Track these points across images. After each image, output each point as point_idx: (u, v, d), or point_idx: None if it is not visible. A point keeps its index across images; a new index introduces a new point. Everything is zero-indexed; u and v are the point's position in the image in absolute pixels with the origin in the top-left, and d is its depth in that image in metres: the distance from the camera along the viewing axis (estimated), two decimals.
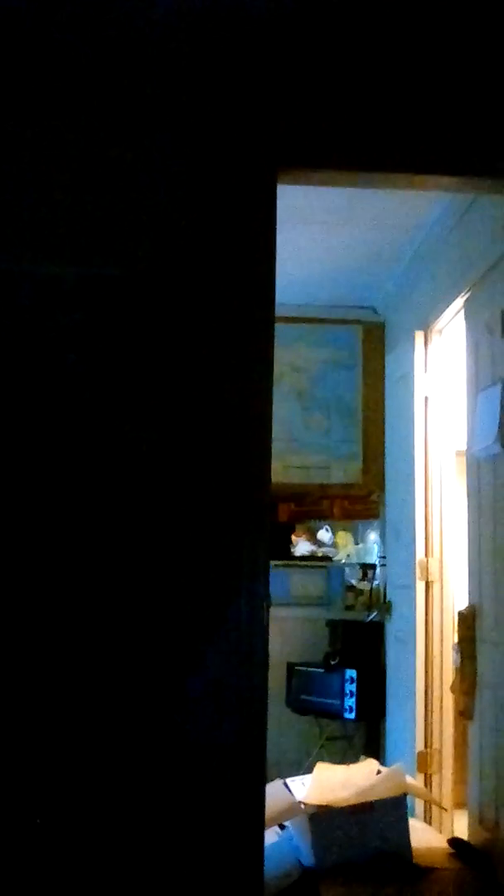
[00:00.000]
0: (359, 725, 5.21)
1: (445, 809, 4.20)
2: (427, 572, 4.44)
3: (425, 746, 4.31)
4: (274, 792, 3.47)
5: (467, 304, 3.91)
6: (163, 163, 2.60)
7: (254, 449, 2.54)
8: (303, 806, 3.54)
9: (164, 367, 2.53)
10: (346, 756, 4.97)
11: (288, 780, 3.83)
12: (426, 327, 4.56)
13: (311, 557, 5.70)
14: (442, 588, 4.44)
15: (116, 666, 2.42)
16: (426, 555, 4.46)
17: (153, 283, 2.56)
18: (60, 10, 2.61)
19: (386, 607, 5.11)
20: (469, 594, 3.76)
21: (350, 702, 4.97)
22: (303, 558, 5.68)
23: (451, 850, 3.62)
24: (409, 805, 3.71)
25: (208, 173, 2.61)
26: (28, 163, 2.57)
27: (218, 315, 2.57)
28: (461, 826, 3.88)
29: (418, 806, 4.21)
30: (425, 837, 3.79)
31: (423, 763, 4.29)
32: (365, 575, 5.55)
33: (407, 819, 3.56)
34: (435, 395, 4.55)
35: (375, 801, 3.51)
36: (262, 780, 2.46)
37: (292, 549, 5.73)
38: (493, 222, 3.57)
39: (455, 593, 4.40)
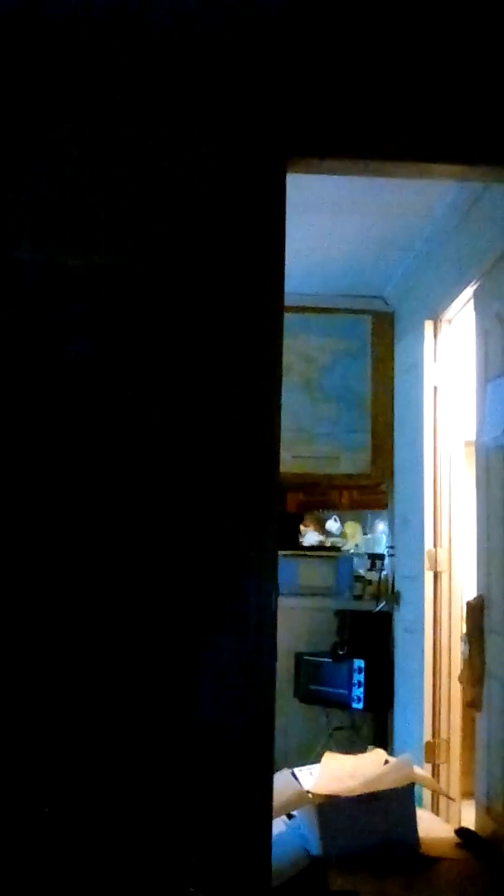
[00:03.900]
0: (366, 715, 5.21)
1: (453, 799, 4.20)
2: (435, 562, 4.44)
3: (433, 736, 4.32)
4: (282, 781, 3.48)
5: (477, 294, 3.89)
6: (172, 152, 2.59)
7: (263, 439, 2.53)
8: (310, 795, 3.55)
9: (173, 357, 2.53)
10: (353, 746, 4.98)
11: (296, 770, 3.85)
12: (435, 317, 4.55)
13: (320, 547, 5.70)
14: (450, 578, 4.44)
15: (124, 657, 2.42)
16: (435, 545, 4.45)
17: (161, 272, 2.55)
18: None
19: (394, 597, 5.11)
20: (477, 584, 3.75)
21: (358, 692, 4.98)
22: (311, 548, 5.68)
23: (459, 841, 3.63)
24: (416, 795, 3.72)
25: (218, 162, 2.60)
26: (35, 151, 2.56)
27: (227, 305, 2.56)
28: (469, 816, 3.89)
29: (426, 796, 4.22)
30: (433, 827, 3.80)
31: (431, 753, 4.29)
32: (373, 565, 5.55)
33: (414, 809, 3.56)
34: (444, 384, 4.54)
35: (383, 790, 3.52)
36: (270, 770, 2.47)
37: (301, 539, 5.73)
38: (503, 211, 3.55)
39: (464, 584, 4.40)
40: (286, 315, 2.60)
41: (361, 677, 4.97)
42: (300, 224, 3.71)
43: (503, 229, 3.52)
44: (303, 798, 3.54)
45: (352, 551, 5.68)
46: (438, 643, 4.38)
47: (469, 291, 3.97)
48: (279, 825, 3.53)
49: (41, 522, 2.44)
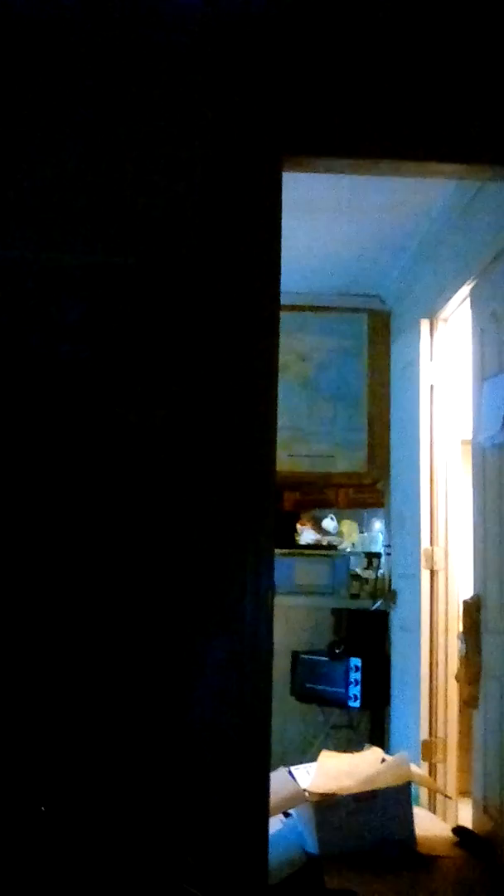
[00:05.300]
0: (363, 714, 5.21)
1: (450, 798, 4.20)
2: (432, 561, 4.44)
3: (430, 735, 4.32)
4: (279, 780, 3.48)
5: (473, 293, 3.89)
6: (168, 151, 2.59)
7: (259, 437, 2.53)
8: (307, 794, 3.55)
9: (170, 356, 2.53)
10: (350, 744, 4.98)
11: (292, 769, 3.84)
12: (432, 316, 4.55)
13: (316, 546, 5.70)
14: (447, 577, 4.44)
15: (121, 656, 2.42)
16: (431, 544, 4.46)
17: (158, 271, 2.55)
18: None
19: (391, 596, 5.11)
20: (474, 583, 3.75)
21: (355, 690, 4.98)
22: (308, 547, 5.68)
23: (455, 839, 3.63)
24: (413, 793, 3.72)
25: (214, 161, 2.59)
26: (34, 149, 2.56)
27: (224, 303, 2.56)
28: (465, 814, 3.89)
29: (422, 794, 4.22)
30: (430, 826, 3.80)
31: (428, 752, 4.29)
32: (370, 564, 5.55)
33: (411, 807, 3.56)
34: (440, 383, 4.54)
35: (380, 789, 3.52)
36: (267, 769, 2.47)
37: (297, 538, 5.73)
38: (499, 210, 3.55)
39: (460, 582, 4.40)
40: (282, 314, 2.60)
41: (358, 676, 4.97)
42: (297, 223, 3.71)
43: (500, 228, 3.52)
44: (300, 797, 3.54)
45: (348, 550, 5.68)
46: (435, 641, 4.38)
47: (465, 290, 3.98)
48: (276, 824, 3.53)
49: (39, 519, 2.44)
